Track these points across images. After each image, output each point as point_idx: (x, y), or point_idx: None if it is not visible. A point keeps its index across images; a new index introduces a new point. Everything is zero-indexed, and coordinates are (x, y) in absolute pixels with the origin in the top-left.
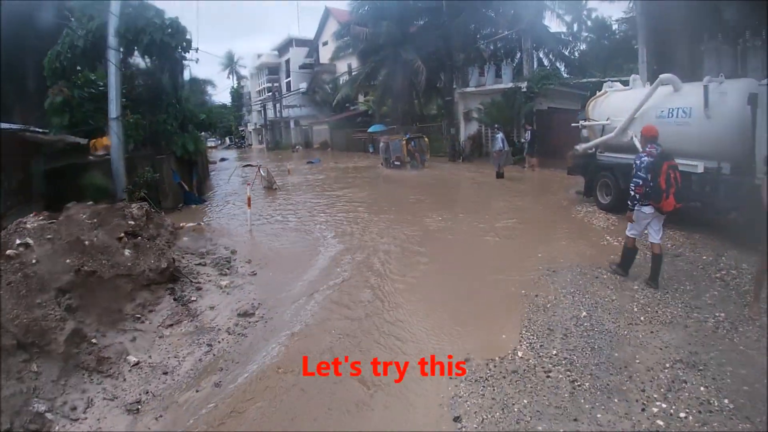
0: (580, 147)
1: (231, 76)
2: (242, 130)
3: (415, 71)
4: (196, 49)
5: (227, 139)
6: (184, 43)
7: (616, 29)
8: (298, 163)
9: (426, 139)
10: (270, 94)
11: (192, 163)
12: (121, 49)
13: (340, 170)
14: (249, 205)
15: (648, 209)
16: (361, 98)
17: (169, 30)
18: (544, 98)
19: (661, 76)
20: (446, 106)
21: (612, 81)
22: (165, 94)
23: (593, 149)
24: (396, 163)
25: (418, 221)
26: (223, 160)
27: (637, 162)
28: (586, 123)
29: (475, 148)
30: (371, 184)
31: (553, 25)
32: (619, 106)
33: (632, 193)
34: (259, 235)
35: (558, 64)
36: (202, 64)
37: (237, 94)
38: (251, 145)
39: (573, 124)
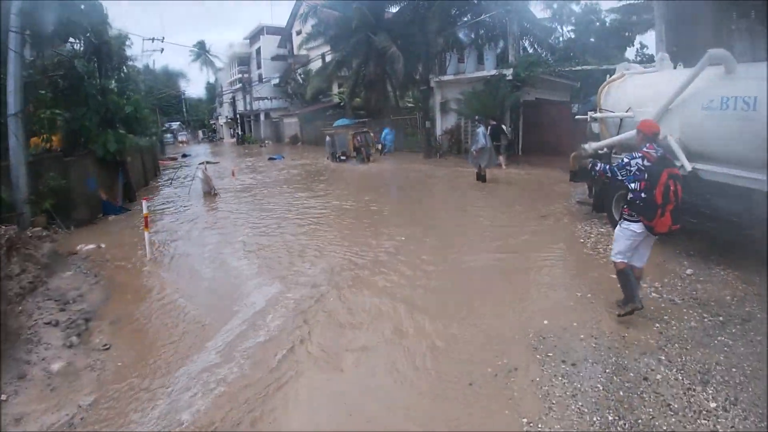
0: (589, 146)
1: (203, 68)
2: (213, 124)
3: (390, 59)
4: (162, 39)
5: (200, 133)
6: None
7: (605, 17)
8: (258, 161)
9: (372, 134)
10: (240, 85)
11: (119, 165)
12: (28, 32)
13: (298, 169)
14: (146, 225)
15: (637, 227)
16: (336, 89)
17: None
18: (532, 88)
19: (711, 51)
20: (421, 97)
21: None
22: (85, 83)
23: (607, 149)
24: (342, 157)
25: (373, 244)
26: (185, 156)
27: (623, 162)
28: (598, 115)
29: (453, 144)
30: (327, 184)
31: (538, 12)
32: (642, 94)
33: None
34: (159, 270)
35: (542, 54)
36: (176, 56)
37: (212, 87)
38: (222, 138)
39: (578, 116)
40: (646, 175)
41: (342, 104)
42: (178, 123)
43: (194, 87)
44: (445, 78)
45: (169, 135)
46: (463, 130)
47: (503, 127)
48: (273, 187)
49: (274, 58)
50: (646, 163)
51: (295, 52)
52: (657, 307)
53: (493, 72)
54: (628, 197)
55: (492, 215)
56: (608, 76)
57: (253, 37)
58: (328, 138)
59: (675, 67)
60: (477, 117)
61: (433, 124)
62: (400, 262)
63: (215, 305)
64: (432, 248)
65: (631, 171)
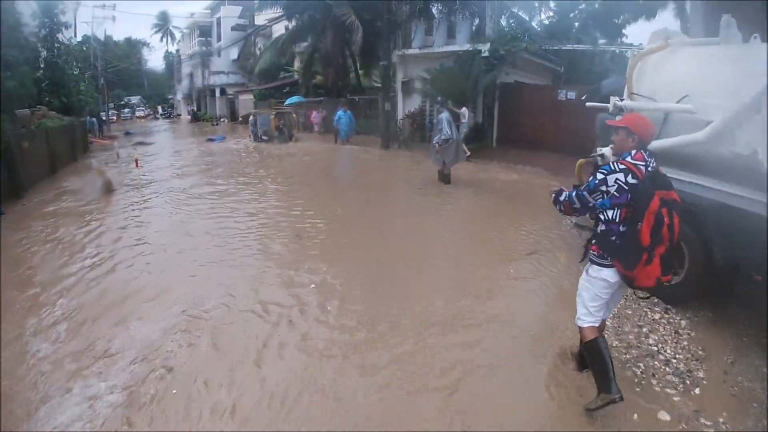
0: (608, 151)
1: (164, 39)
2: (170, 99)
3: (347, 29)
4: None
5: (159, 109)
6: None
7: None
8: (195, 142)
9: (294, 116)
10: (198, 59)
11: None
12: None
13: (219, 155)
14: None
15: (610, 274)
16: (297, 65)
17: None
18: (511, 68)
19: None
20: (381, 74)
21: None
22: None
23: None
24: (264, 137)
25: (247, 295)
26: (128, 134)
27: (597, 179)
28: (630, 104)
29: (416, 130)
30: (250, 173)
31: None
32: (703, 75)
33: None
34: None
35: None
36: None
37: (171, 59)
38: (180, 115)
39: (589, 104)
40: (629, 198)
41: (308, 83)
42: (138, 97)
43: (156, 60)
44: (410, 52)
45: (127, 110)
46: (428, 114)
47: (461, 111)
48: (195, 174)
49: (234, 29)
50: (630, 179)
51: (257, 22)
52: None
53: (467, 47)
54: (599, 229)
55: (453, 246)
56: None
57: (215, 7)
58: (251, 117)
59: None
60: (439, 99)
61: (393, 106)
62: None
63: None
64: (350, 311)
65: (608, 192)
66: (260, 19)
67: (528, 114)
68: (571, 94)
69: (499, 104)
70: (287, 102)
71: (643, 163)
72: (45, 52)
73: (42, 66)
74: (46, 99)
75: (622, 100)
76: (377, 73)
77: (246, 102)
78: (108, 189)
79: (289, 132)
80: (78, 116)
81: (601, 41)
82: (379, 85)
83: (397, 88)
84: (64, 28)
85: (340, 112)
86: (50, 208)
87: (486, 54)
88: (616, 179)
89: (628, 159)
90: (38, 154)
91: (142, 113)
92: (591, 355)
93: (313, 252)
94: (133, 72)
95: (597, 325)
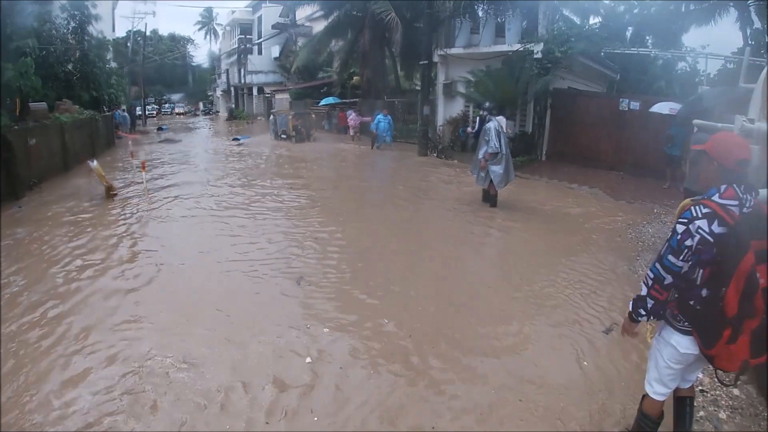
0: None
1: (208, 37)
2: (210, 96)
3: (387, 27)
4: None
5: (201, 105)
6: None
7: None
8: (220, 142)
9: (312, 115)
10: (236, 57)
11: None
12: None
13: (250, 154)
14: None
15: (683, 341)
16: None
17: None
18: (566, 72)
19: None
20: (422, 75)
21: None
22: None
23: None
24: (282, 135)
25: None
26: (161, 130)
27: (678, 235)
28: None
29: (457, 138)
30: (267, 182)
31: None
32: None
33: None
34: None
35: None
36: (184, 23)
37: (214, 56)
38: (218, 112)
39: (697, 122)
40: (714, 253)
41: (343, 83)
42: (181, 94)
43: (200, 57)
44: (453, 51)
45: (167, 106)
46: (471, 120)
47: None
48: (167, 190)
49: (275, 27)
50: (717, 228)
51: (298, 21)
52: None
53: (517, 47)
54: (677, 292)
55: (500, 299)
56: None
57: (256, 5)
58: (271, 117)
59: None
60: (487, 104)
61: (433, 110)
62: None
63: None
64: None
65: (690, 247)
66: (302, 18)
67: (584, 125)
68: (635, 104)
69: (552, 113)
70: (321, 102)
71: (736, 203)
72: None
73: (72, 59)
74: (76, 93)
75: (751, 121)
76: (419, 75)
77: (282, 101)
78: (108, 193)
79: (306, 132)
80: (101, 111)
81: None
82: (419, 86)
83: (437, 90)
84: (94, 21)
85: (379, 116)
86: (40, 216)
87: (539, 55)
88: (699, 230)
89: (715, 198)
90: (49, 151)
91: (181, 109)
92: (640, 423)
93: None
94: (176, 68)
95: (662, 399)
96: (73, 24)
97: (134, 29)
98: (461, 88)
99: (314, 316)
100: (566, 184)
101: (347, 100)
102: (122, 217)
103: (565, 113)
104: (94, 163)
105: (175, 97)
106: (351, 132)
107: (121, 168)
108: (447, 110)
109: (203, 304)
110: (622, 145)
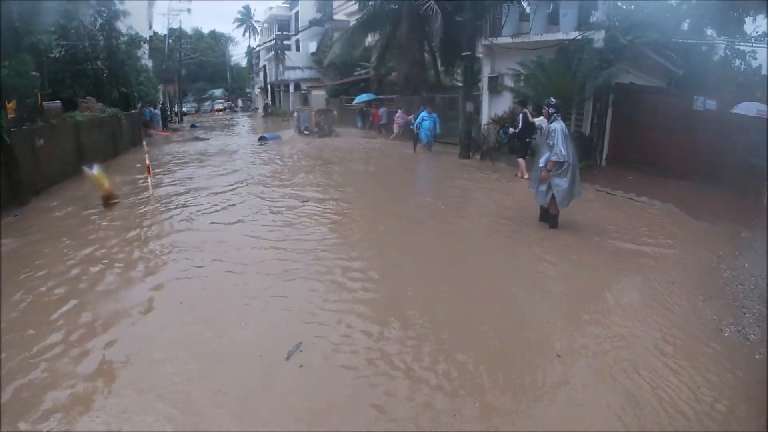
0: None
1: (246, 34)
2: (249, 92)
3: (425, 19)
4: None
5: (239, 102)
6: None
7: None
8: (247, 140)
9: (335, 112)
10: (272, 53)
11: None
12: None
13: (275, 156)
14: None
15: None
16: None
17: None
18: (631, 64)
19: None
20: (464, 68)
21: None
22: None
23: None
24: (305, 132)
25: None
26: (194, 126)
27: None
28: None
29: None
30: (291, 190)
31: None
32: None
33: None
34: None
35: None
36: (223, 22)
37: (252, 53)
38: (257, 108)
39: None
40: None
41: (379, 79)
42: (221, 90)
43: (240, 54)
44: (499, 41)
45: (207, 102)
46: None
47: (537, 122)
48: (176, 199)
49: (312, 23)
50: None
51: (335, 17)
52: None
53: (574, 35)
54: None
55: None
56: None
57: (293, 1)
58: (295, 114)
59: None
60: (552, 101)
61: (476, 107)
62: None
63: None
64: None
65: None
66: (339, 14)
67: (650, 126)
68: (711, 104)
69: (613, 112)
70: (356, 100)
71: None
72: (104, 42)
73: (100, 56)
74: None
75: None
76: (460, 69)
77: (318, 98)
78: (108, 201)
79: (329, 128)
80: (132, 108)
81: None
82: (461, 84)
83: (482, 85)
84: (122, 17)
85: (423, 113)
86: (32, 228)
87: (599, 44)
88: None
89: None
90: (61, 152)
91: (221, 106)
92: None
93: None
94: (217, 65)
95: None
96: (100, 21)
97: (169, 26)
98: (509, 82)
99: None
100: (633, 198)
101: (383, 97)
102: (111, 233)
103: (628, 112)
104: (92, 170)
105: (217, 93)
106: (396, 130)
107: (139, 170)
108: (492, 107)
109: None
110: (694, 150)
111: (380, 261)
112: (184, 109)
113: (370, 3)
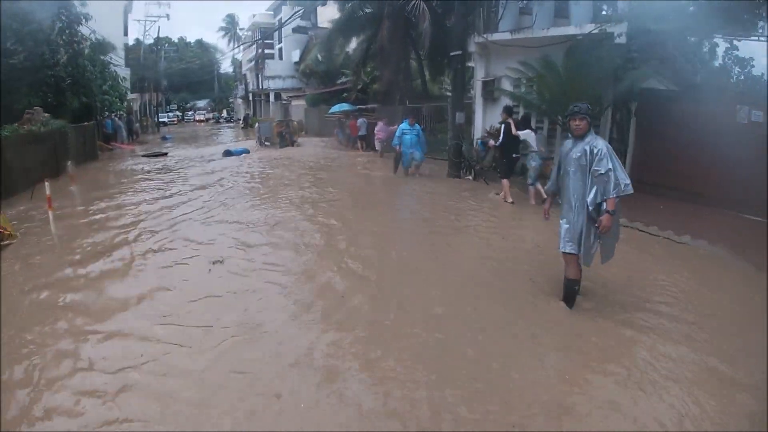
0: None
1: (232, 43)
2: (231, 102)
3: (409, 20)
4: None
5: (225, 112)
6: None
7: None
8: (213, 154)
9: (295, 122)
10: (253, 62)
11: None
12: None
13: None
14: None
15: None
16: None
17: None
18: (661, 63)
19: None
20: (453, 71)
21: None
22: None
23: None
24: (266, 143)
25: None
26: (164, 139)
27: None
28: None
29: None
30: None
31: None
32: None
33: None
34: None
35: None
36: (208, 30)
37: (237, 63)
38: (239, 119)
39: None
40: None
41: (359, 86)
42: (206, 101)
43: (227, 63)
44: (496, 37)
45: (190, 113)
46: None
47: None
48: (88, 237)
49: (296, 30)
50: None
51: (320, 23)
52: None
53: (590, 28)
54: None
55: None
56: None
57: (277, 8)
58: (257, 125)
59: None
60: (580, 106)
61: (468, 118)
62: None
63: None
64: None
65: None
66: (324, 23)
67: (683, 142)
68: (758, 114)
69: (637, 123)
70: (331, 110)
71: None
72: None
73: (59, 62)
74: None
75: None
76: (449, 77)
77: (298, 108)
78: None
79: (290, 138)
80: (94, 119)
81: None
82: (449, 90)
83: (474, 91)
84: (84, 20)
85: (403, 125)
86: None
87: (622, 40)
88: None
89: None
90: None
91: (201, 117)
92: None
93: None
94: (202, 75)
95: None
96: (59, 24)
97: (146, 33)
98: (508, 85)
99: None
100: (672, 238)
101: (363, 106)
102: None
103: (655, 124)
104: None
105: (200, 103)
106: (377, 146)
107: (71, 194)
108: (487, 117)
109: None
110: (739, 173)
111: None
112: (166, 120)
113: (348, 4)
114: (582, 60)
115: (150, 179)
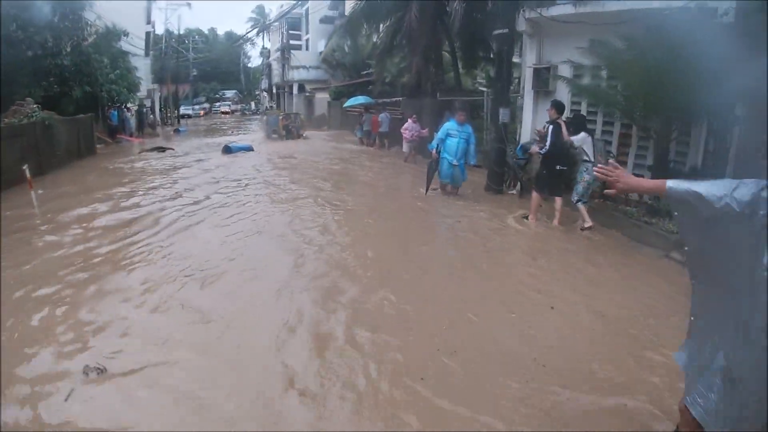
0: None
1: (262, 35)
2: (257, 94)
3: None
4: None
5: (252, 104)
6: None
7: None
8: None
9: (301, 116)
10: (279, 53)
11: None
12: None
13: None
14: None
15: None
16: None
17: None
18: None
19: None
20: (497, 55)
21: None
22: None
23: None
24: (273, 135)
25: None
26: (177, 131)
27: None
28: None
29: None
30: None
31: None
32: None
33: None
34: None
35: None
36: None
37: (265, 55)
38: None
39: None
40: None
41: (387, 79)
42: (234, 92)
43: (257, 55)
44: (553, 12)
45: (218, 104)
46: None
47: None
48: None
49: (323, 21)
50: None
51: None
52: None
53: (682, 1)
54: None
55: None
56: None
57: None
58: (264, 118)
59: None
60: None
61: (513, 115)
62: None
63: None
64: None
65: None
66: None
67: None
68: None
69: (742, 132)
70: (348, 102)
71: None
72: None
73: (63, 51)
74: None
75: None
76: (483, 72)
77: (322, 101)
78: None
79: (297, 131)
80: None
81: None
82: (485, 84)
83: (523, 82)
84: (88, 6)
85: (450, 124)
86: None
87: (729, 19)
88: None
89: None
90: None
91: (227, 108)
92: None
93: None
94: (231, 66)
95: None
96: (60, 10)
97: (167, 21)
98: (567, 71)
99: None
100: None
101: (387, 100)
102: None
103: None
104: None
105: (228, 94)
106: (405, 149)
107: (69, 194)
108: (539, 115)
109: None
110: None
111: None
112: (189, 112)
113: None
114: (676, 43)
115: (121, 186)
